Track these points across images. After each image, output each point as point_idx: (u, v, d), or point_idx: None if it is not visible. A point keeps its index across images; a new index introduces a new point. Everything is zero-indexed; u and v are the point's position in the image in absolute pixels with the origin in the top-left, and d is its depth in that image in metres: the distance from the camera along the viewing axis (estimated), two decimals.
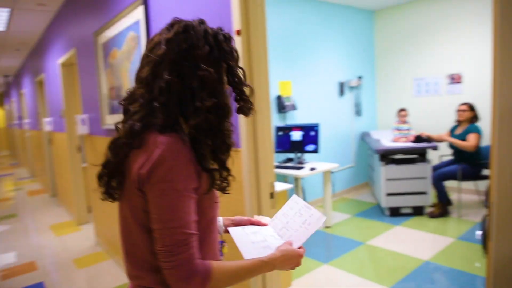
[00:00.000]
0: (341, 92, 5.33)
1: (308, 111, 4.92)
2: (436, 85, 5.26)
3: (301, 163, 4.27)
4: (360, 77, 5.55)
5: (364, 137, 5.45)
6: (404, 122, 4.64)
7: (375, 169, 4.84)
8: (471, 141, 4.07)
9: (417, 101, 5.50)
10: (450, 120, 4.81)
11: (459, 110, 4.27)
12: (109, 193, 0.93)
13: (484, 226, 3.18)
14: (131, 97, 0.94)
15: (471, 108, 4.19)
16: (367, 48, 5.72)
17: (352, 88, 5.52)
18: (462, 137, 4.17)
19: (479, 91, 4.82)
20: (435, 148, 4.26)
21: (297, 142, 4.38)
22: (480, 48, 4.77)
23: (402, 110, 4.76)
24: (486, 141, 4.35)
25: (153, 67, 0.88)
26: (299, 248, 0.97)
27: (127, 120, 0.91)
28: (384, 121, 5.96)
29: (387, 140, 4.83)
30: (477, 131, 4.07)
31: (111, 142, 0.93)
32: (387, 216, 4.48)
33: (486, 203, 3.35)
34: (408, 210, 4.43)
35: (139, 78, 0.92)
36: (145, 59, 0.92)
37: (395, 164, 4.34)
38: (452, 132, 4.41)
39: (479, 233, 3.29)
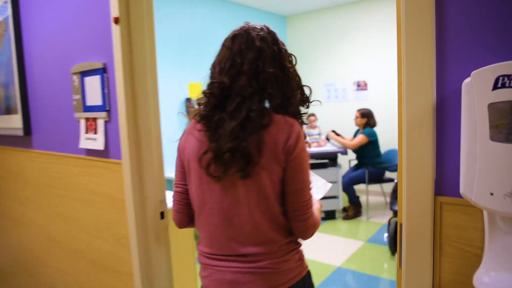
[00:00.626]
0: None
1: None
2: (344, 91, 5.42)
3: None
4: None
5: None
6: (314, 127, 4.66)
7: None
8: (353, 140, 4.25)
9: (327, 106, 5.63)
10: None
11: (355, 118, 4.44)
12: (219, 176, 0.99)
13: (389, 228, 3.26)
14: (219, 87, 1.01)
15: (363, 115, 4.35)
16: None
17: None
18: None
19: (383, 97, 5.07)
20: (344, 153, 4.34)
21: None
22: (385, 56, 5.02)
23: (312, 115, 4.80)
24: (387, 146, 4.57)
25: (253, 62, 1.01)
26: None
27: (238, 107, 0.98)
28: None
29: None
30: (365, 134, 4.23)
31: (231, 130, 0.96)
32: None
33: (392, 206, 3.45)
34: (321, 215, 4.44)
35: (232, 70, 1.01)
36: (237, 54, 1.02)
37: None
38: (354, 136, 4.57)
39: (386, 235, 3.37)
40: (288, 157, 0.98)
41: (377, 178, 4.41)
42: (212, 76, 1.06)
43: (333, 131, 4.59)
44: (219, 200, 1.02)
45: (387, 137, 5.02)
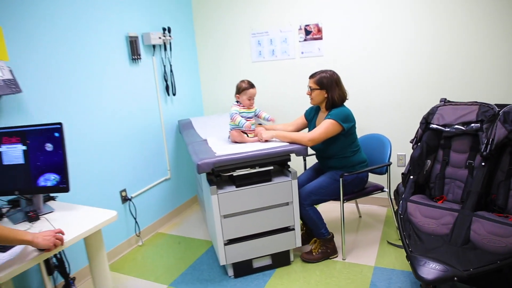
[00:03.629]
0: (134, 54, 2.94)
1: (60, 95, 2.37)
2: (284, 44, 3.41)
3: (35, 214, 1.77)
4: (166, 30, 3.25)
5: (182, 129, 3.23)
6: (250, 106, 2.58)
7: (204, 196, 2.71)
8: (313, 132, 2.37)
9: (256, 69, 3.58)
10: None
11: (308, 90, 2.49)
12: None
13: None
14: None
15: (321, 83, 2.40)
16: None
17: (154, 48, 3.18)
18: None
19: (350, 49, 3.18)
20: (301, 152, 2.36)
21: (15, 168, 1.84)
22: None
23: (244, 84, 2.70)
24: (360, 130, 2.72)
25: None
26: None
27: None
28: (213, 102, 3.88)
29: (218, 136, 2.70)
30: (335, 118, 2.33)
31: None
32: (231, 278, 2.45)
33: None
34: (266, 262, 2.49)
35: None
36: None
37: (240, 187, 2.29)
38: (311, 121, 2.64)
39: None
40: None
41: (359, 189, 2.56)
42: None
43: (260, 125, 2.65)
44: None
45: (361, 116, 3.19)
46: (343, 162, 2.45)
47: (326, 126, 2.31)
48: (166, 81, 3.31)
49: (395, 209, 2.63)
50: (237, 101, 2.50)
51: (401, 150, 3.15)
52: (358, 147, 2.49)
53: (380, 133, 2.90)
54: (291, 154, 2.35)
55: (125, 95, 2.89)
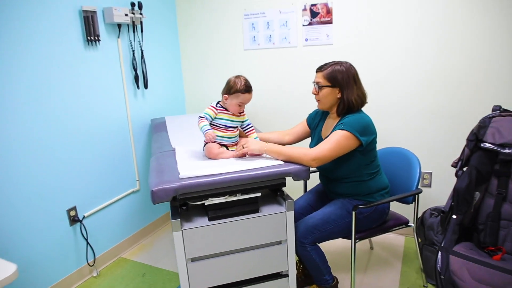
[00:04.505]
0: (91, 35, 2.28)
1: None
2: (284, 27, 2.75)
3: None
4: (136, 5, 2.59)
5: (153, 131, 2.58)
6: (240, 112, 1.90)
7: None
8: (319, 146, 1.70)
9: (249, 58, 2.92)
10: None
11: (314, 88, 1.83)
12: None
13: None
14: None
15: (332, 78, 1.74)
16: None
17: (120, 28, 2.52)
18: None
19: (365, 38, 2.52)
20: (302, 175, 1.70)
21: None
22: None
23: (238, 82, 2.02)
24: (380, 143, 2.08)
25: None
26: None
27: None
28: (197, 96, 3.23)
29: (192, 145, 2.04)
30: (350, 129, 1.67)
31: None
32: None
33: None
34: None
35: None
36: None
37: (215, 220, 1.65)
38: (315, 129, 1.97)
39: None
40: None
41: (377, 224, 1.92)
42: None
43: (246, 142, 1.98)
44: None
45: (380, 125, 2.57)
46: (357, 188, 1.81)
47: (337, 139, 1.66)
48: (135, 70, 2.65)
49: (419, 244, 2.01)
50: (218, 103, 1.84)
51: (426, 166, 2.51)
52: (378, 168, 1.85)
53: (402, 145, 2.26)
54: (287, 177, 1.71)
55: (79, 86, 2.24)
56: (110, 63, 2.46)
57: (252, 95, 1.79)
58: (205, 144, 1.85)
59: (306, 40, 2.68)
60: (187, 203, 1.65)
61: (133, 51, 2.62)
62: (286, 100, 2.85)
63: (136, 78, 2.66)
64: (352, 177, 1.79)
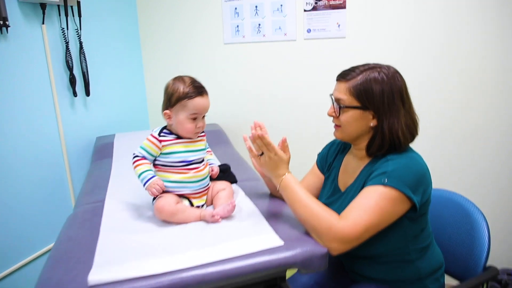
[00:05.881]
0: None
1: None
2: (279, 13, 2.02)
3: None
4: None
5: (93, 157, 1.83)
6: (194, 133, 1.16)
7: None
8: (350, 215, 0.94)
9: (232, 54, 2.20)
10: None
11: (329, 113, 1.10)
12: None
13: None
14: None
15: (367, 97, 0.99)
16: None
17: (45, 10, 1.76)
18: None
19: (389, 30, 1.83)
20: (320, 266, 0.97)
21: None
22: None
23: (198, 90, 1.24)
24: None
25: None
26: None
27: None
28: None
29: (135, 190, 1.30)
30: (400, 183, 0.93)
31: None
32: None
33: None
34: None
35: None
36: None
37: None
38: (328, 176, 1.22)
39: None
40: None
41: None
42: None
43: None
44: None
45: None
46: (400, 271, 1.09)
47: (378, 204, 0.93)
48: (70, 70, 1.89)
49: None
50: (163, 129, 1.13)
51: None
52: (430, 239, 1.14)
53: (451, 187, 1.57)
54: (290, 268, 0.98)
55: None
56: (28, 60, 1.70)
57: (209, 100, 1.10)
58: (154, 198, 1.12)
59: (309, 31, 1.97)
60: None
61: (67, 43, 1.86)
62: (280, 115, 2.14)
63: (73, 81, 1.90)
64: (392, 255, 1.08)
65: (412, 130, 1.04)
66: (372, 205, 0.94)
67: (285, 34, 2.03)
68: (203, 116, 1.11)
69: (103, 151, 1.85)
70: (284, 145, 1.08)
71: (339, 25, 1.90)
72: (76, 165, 1.98)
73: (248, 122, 2.26)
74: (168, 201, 1.05)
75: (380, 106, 1.00)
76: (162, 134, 1.10)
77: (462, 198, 1.42)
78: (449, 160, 1.89)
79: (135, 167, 1.06)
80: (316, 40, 1.97)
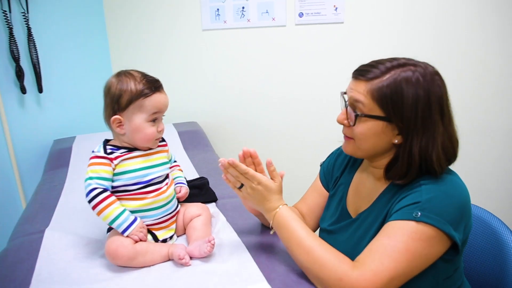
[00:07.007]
0: None
1: None
2: None
3: None
4: None
5: (47, 166, 1.54)
6: (160, 140, 0.90)
7: None
8: (370, 262, 0.69)
9: (212, 42, 1.92)
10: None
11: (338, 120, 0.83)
12: None
13: None
14: None
15: (391, 108, 0.73)
16: None
17: None
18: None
19: (395, 15, 1.58)
20: None
21: None
22: None
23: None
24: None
25: None
26: None
27: None
28: None
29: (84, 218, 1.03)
30: (437, 220, 0.67)
31: None
32: None
33: None
34: None
35: None
36: None
37: None
38: (333, 190, 0.96)
39: None
40: None
41: None
42: None
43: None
44: None
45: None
46: None
47: (408, 247, 0.68)
48: (16, 62, 1.57)
49: None
50: (107, 145, 0.86)
51: None
52: (462, 278, 0.90)
53: (478, 203, 1.34)
54: None
55: None
56: None
57: (167, 97, 0.89)
58: (108, 229, 0.86)
59: (301, 15, 1.70)
60: None
61: (11, 29, 1.54)
62: (268, 112, 1.88)
63: (20, 75, 1.59)
64: None
65: (449, 154, 0.78)
66: (400, 248, 0.69)
67: (273, 19, 1.75)
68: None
69: (58, 158, 1.55)
70: (270, 170, 0.81)
71: (336, 8, 1.63)
72: (29, 175, 1.68)
73: (231, 120, 2.00)
74: (122, 242, 0.78)
75: (411, 119, 0.73)
76: (108, 150, 0.82)
77: (486, 214, 1.18)
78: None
79: (102, 209, 0.78)
80: (309, 25, 1.70)
